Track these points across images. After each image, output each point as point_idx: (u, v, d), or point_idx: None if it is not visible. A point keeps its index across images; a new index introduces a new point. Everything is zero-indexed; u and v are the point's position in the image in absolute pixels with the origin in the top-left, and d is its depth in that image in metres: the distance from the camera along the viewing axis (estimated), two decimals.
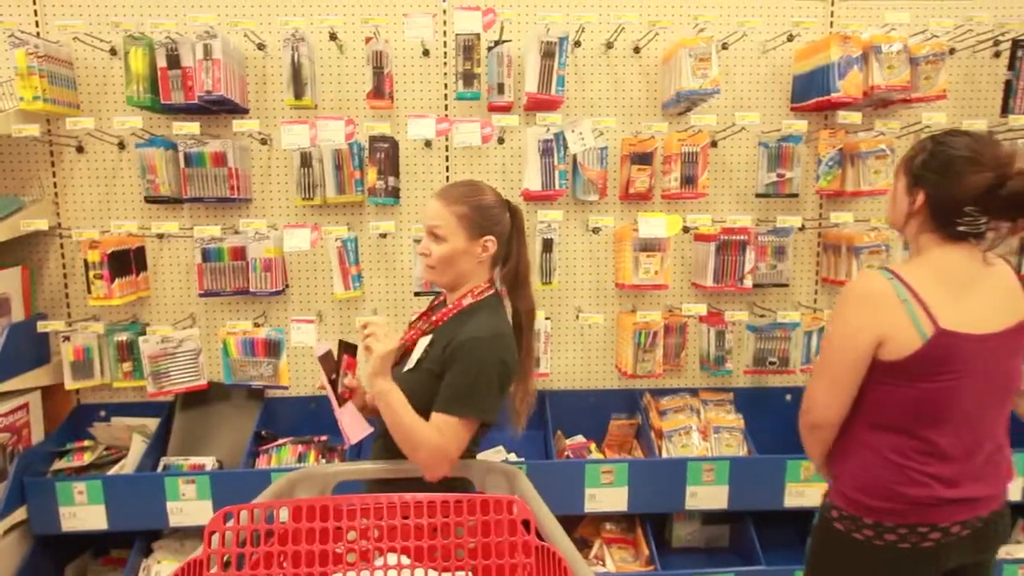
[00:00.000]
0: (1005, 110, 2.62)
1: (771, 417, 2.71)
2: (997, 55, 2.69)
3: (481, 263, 1.66)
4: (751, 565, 2.50)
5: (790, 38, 2.58)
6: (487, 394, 1.55)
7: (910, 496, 1.46)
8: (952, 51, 2.59)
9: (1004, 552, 2.56)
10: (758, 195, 2.68)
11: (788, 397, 2.80)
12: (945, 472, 1.45)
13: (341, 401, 1.61)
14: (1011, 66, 2.60)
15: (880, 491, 1.48)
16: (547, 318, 2.58)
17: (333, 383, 1.61)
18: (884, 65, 2.45)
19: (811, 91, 2.55)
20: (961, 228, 1.42)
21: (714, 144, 2.62)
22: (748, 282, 2.57)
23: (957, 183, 1.39)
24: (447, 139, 2.61)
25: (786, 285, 2.71)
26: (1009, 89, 2.61)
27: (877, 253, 2.55)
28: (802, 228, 2.64)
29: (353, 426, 1.62)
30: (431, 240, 1.63)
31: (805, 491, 2.48)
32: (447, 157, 2.66)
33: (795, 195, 2.66)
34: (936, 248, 1.46)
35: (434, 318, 1.69)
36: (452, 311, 1.66)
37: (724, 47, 2.59)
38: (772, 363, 2.67)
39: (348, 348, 1.65)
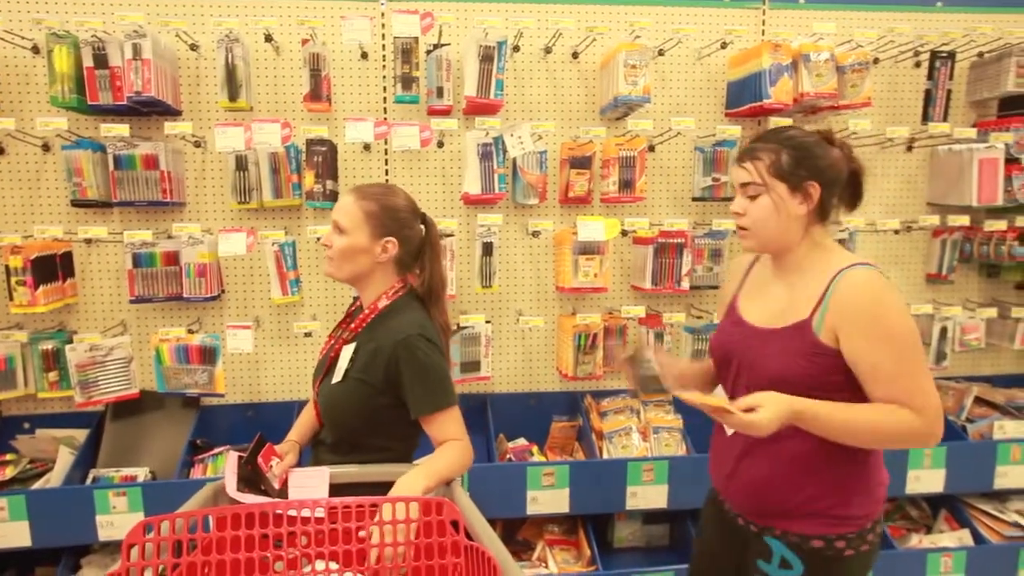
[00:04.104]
0: (925, 117, 2.74)
1: (708, 416, 2.76)
2: (918, 65, 2.81)
3: (381, 264, 1.65)
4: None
5: (723, 45, 2.64)
6: (447, 381, 1.61)
7: (884, 476, 1.52)
8: (876, 60, 2.70)
9: (929, 541, 2.68)
10: (694, 199, 2.74)
11: None
12: None
13: (274, 491, 1.57)
14: (930, 76, 2.72)
15: (877, 485, 1.49)
16: (488, 321, 2.58)
17: (258, 483, 1.55)
18: (813, 73, 2.53)
19: (744, 97, 2.62)
20: (834, 207, 1.48)
21: (651, 148, 2.66)
22: (685, 284, 2.63)
23: (833, 161, 1.44)
24: (386, 143, 2.59)
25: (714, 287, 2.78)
26: (929, 98, 2.74)
27: None
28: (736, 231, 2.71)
29: (312, 488, 1.56)
30: (335, 232, 1.64)
31: None
32: (386, 161, 2.64)
33: (730, 199, 2.71)
34: (826, 233, 1.49)
35: (352, 325, 1.69)
36: (369, 315, 1.66)
37: (660, 53, 2.64)
38: None
39: (260, 443, 1.60)
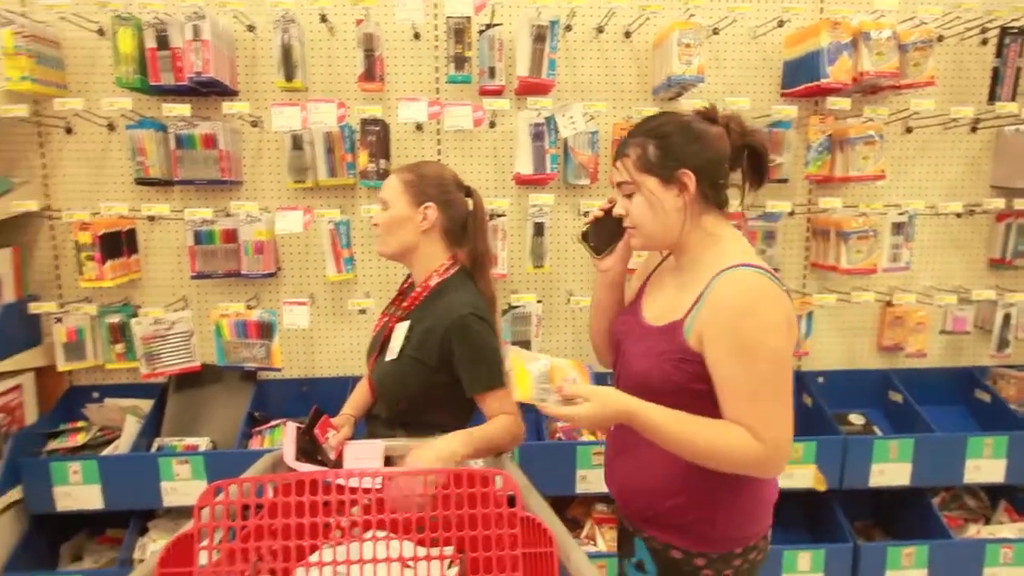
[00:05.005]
0: (992, 97, 2.64)
1: None
2: (984, 42, 2.71)
3: (426, 234, 1.69)
4: None
5: (780, 24, 2.58)
6: (500, 359, 1.64)
7: (769, 500, 1.40)
8: (940, 38, 2.61)
9: (987, 532, 2.63)
10: None
11: None
12: None
13: (330, 462, 1.61)
14: (998, 53, 2.62)
15: (755, 509, 1.38)
16: (539, 301, 2.60)
17: (315, 453, 1.59)
18: (873, 51, 2.46)
19: (801, 77, 2.56)
20: (725, 188, 1.35)
21: None
22: None
23: (709, 142, 1.32)
24: (438, 122, 2.61)
25: (776, 270, 2.73)
26: (996, 76, 2.63)
27: (865, 239, 2.58)
28: (791, 213, 2.67)
29: (366, 459, 1.59)
30: (381, 208, 1.70)
31: (793, 472, 2.52)
32: (438, 140, 2.66)
33: (785, 180, 2.68)
34: (723, 223, 1.37)
35: (405, 303, 1.73)
36: (422, 294, 1.70)
37: (715, 32, 2.59)
38: None
39: (317, 415, 1.64)
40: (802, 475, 2.53)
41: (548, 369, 1.31)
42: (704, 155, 1.31)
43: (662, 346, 1.32)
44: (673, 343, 1.30)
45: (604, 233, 1.48)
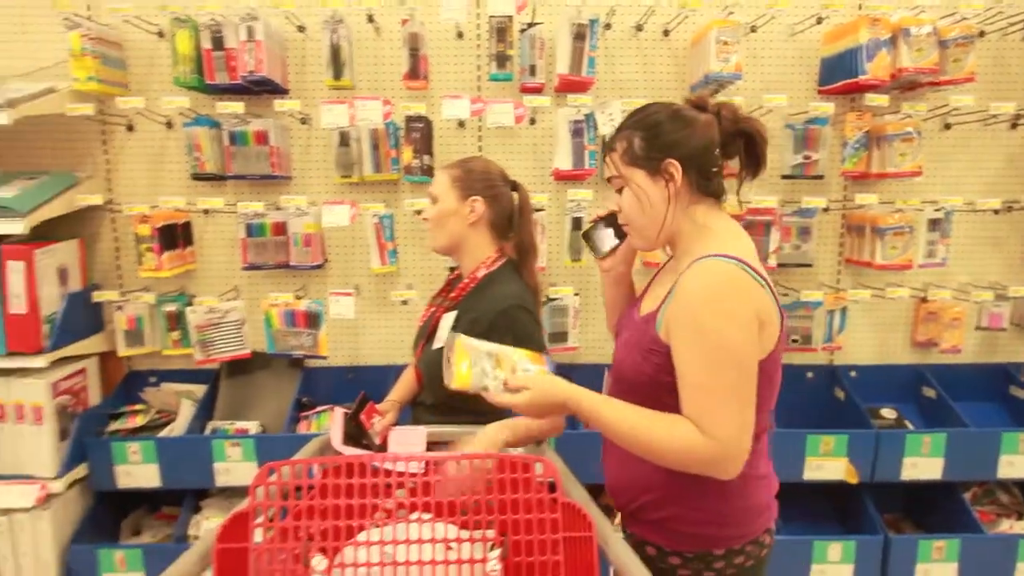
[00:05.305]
0: None
1: (792, 393, 2.77)
2: None
3: (474, 227, 1.75)
4: None
5: (819, 21, 2.60)
6: (544, 350, 1.65)
7: (759, 504, 1.34)
8: (982, 34, 2.60)
9: (1021, 527, 2.64)
10: (784, 176, 2.72)
11: (809, 374, 2.88)
12: (769, 465, 1.37)
13: (375, 446, 1.68)
14: None
15: (736, 512, 1.32)
16: (576, 294, 2.66)
17: (361, 438, 1.66)
18: (913, 48, 2.47)
19: (838, 74, 2.58)
20: (718, 177, 1.30)
21: None
22: (772, 261, 2.64)
23: (696, 129, 1.26)
24: (480, 119, 2.68)
25: (810, 265, 2.76)
26: None
27: (901, 235, 2.59)
28: (826, 209, 2.69)
29: (411, 445, 1.64)
30: (429, 203, 1.77)
31: (824, 464, 2.57)
32: (479, 137, 2.74)
33: (820, 177, 2.70)
34: (716, 214, 1.30)
35: (453, 294, 1.79)
36: (469, 284, 1.75)
37: (753, 30, 2.62)
38: (795, 341, 2.74)
39: (363, 401, 1.71)
40: (833, 467, 2.57)
41: (494, 357, 1.30)
42: (691, 143, 1.26)
43: (636, 336, 1.31)
44: (646, 334, 1.28)
45: (606, 233, 1.49)
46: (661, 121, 1.27)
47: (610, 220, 1.47)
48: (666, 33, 2.68)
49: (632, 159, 1.28)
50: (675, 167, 1.25)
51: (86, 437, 2.51)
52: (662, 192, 1.27)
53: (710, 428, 1.14)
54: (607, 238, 1.49)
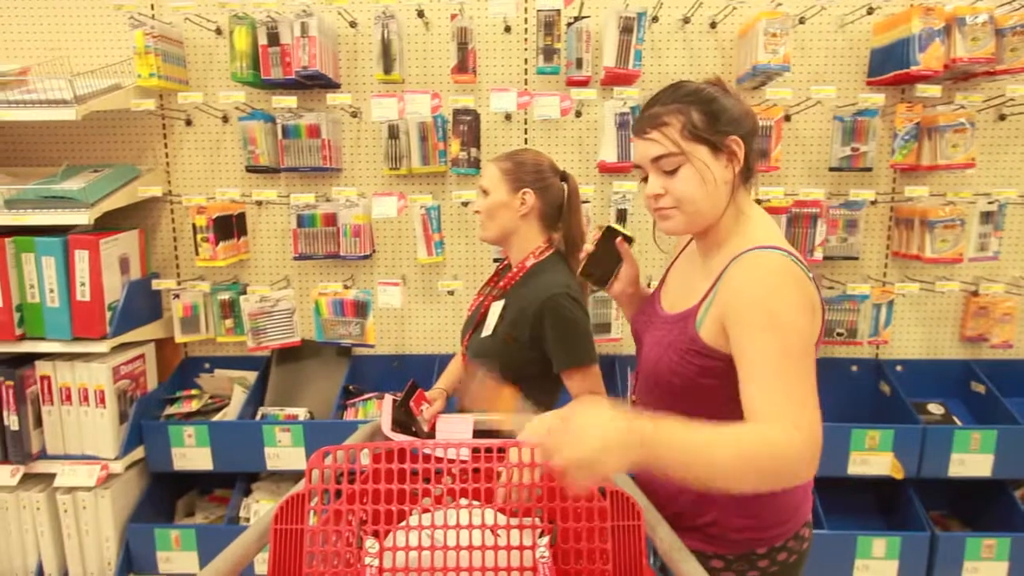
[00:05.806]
0: None
1: (837, 387, 2.79)
2: None
3: (524, 218, 1.78)
4: (814, 529, 2.58)
5: (869, 11, 2.57)
6: (589, 340, 1.70)
7: (797, 498, 1.32)
8: None
9: None
10: (831, 168, 2.70)
11: (854, 368, 2.86)
12: None
13: (424, 433, 1.70)
14: None
15: (777, 510, 1.29)
16: None
17: (409, 424, 1.69)
18: (968, 37, 2.43)
19: (889, 64, 2.55)
20: (757, 164, 1.27)
21: (787, 118, 2.65)
22: (819, 254, 2.62)
23: (745, 109, 1.23)
24: (526, 112, 2.71)
25: (856, 258, 2.74)
26: None
27: (951, 228, 2.56)
28: (874, 202, 2.67)
29: (458, 432, 1.65)
30: (480, 195, 1.80)
31: (869, 459, 2.54)
32: (525, 130, 2.77)
33: (869, 169, 2.68)
34: (750, 200, 1.27)
35: (501, 283, 1.82)
36: (518, 274, 1.79)
37: (801, 21, 2.60)
38: (840, 334, 2.72)
39: (413, 389, 1.74)
40: (879, 462, 2.54)
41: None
42: (747, 122, 1.21)
43: (672, 335, 1.23)
44: (684, 333, 1.21)
45: (601, 263, 1.47)
46: (719, 96, 1.20)
47: (598, 251, 1.45)
48: (713, 25, 2.67)
49: (694, 133, 1.18)
50: (739, 145, 1.19)
51: (144, 420, 2.60)
52: (723, 171, 1.19)
53: (798, 420, 1.00)
54: (604, 267, 1.47)
